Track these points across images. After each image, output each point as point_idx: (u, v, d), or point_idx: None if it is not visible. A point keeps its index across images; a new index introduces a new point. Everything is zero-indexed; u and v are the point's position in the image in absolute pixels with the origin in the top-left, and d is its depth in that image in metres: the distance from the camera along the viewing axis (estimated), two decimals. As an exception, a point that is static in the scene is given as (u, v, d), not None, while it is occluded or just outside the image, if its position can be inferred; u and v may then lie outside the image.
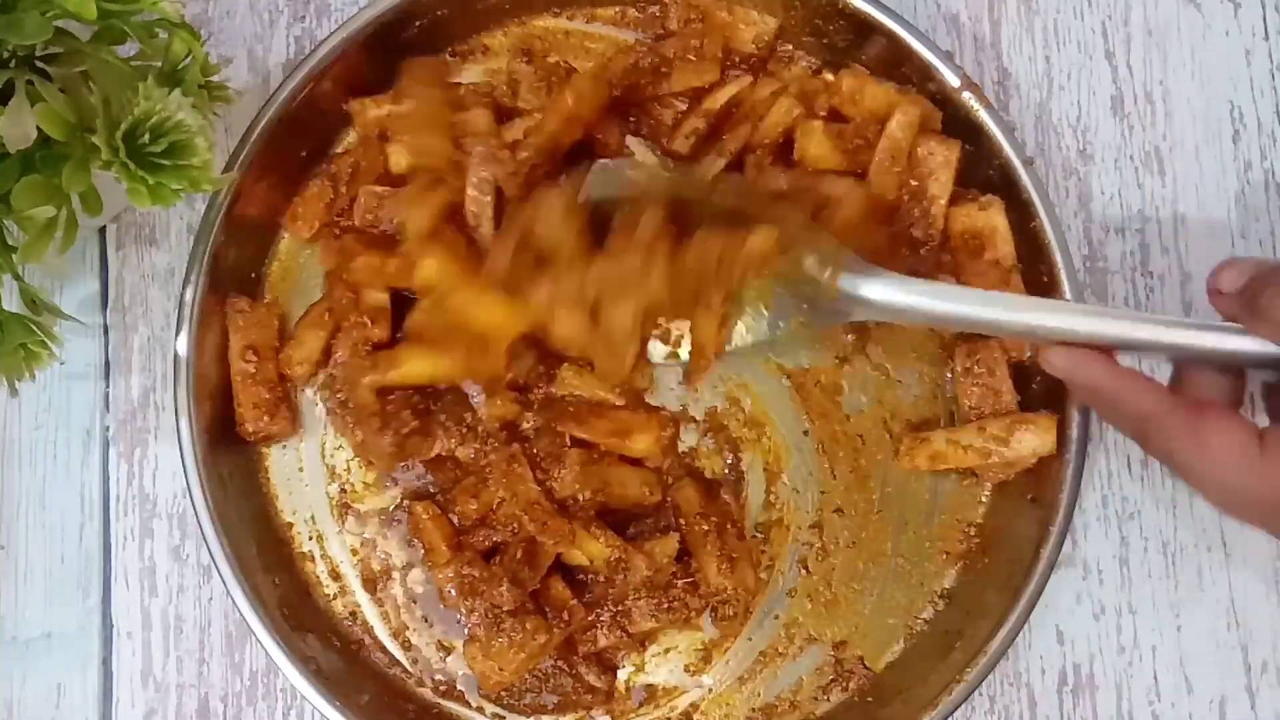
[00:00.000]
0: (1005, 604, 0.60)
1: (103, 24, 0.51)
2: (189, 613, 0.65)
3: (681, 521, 0.63)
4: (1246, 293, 0.51)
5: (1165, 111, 0.67)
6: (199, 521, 0.60)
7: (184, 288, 0.61)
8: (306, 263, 0.66)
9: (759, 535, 0.65)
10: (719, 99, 0.64)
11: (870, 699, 0.63)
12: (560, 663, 0.62)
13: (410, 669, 0.64)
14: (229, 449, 0.63)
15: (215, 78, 0.56)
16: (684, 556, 0.62)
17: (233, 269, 0.63)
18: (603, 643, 0.62)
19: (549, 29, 0.67)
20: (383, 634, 0.64)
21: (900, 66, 0.63)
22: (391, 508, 0.65)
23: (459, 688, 0.64)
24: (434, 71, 0.64)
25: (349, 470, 0.65)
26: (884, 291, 0.56)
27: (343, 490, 0.65)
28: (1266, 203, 0.67)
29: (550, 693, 0.63)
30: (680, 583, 0.62)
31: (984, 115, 0.62)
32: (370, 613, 0.64)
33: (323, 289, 0.65)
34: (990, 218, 0.61)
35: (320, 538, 0.65)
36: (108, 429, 0.66)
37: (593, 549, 0.61)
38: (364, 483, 0.65)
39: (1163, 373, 0.58)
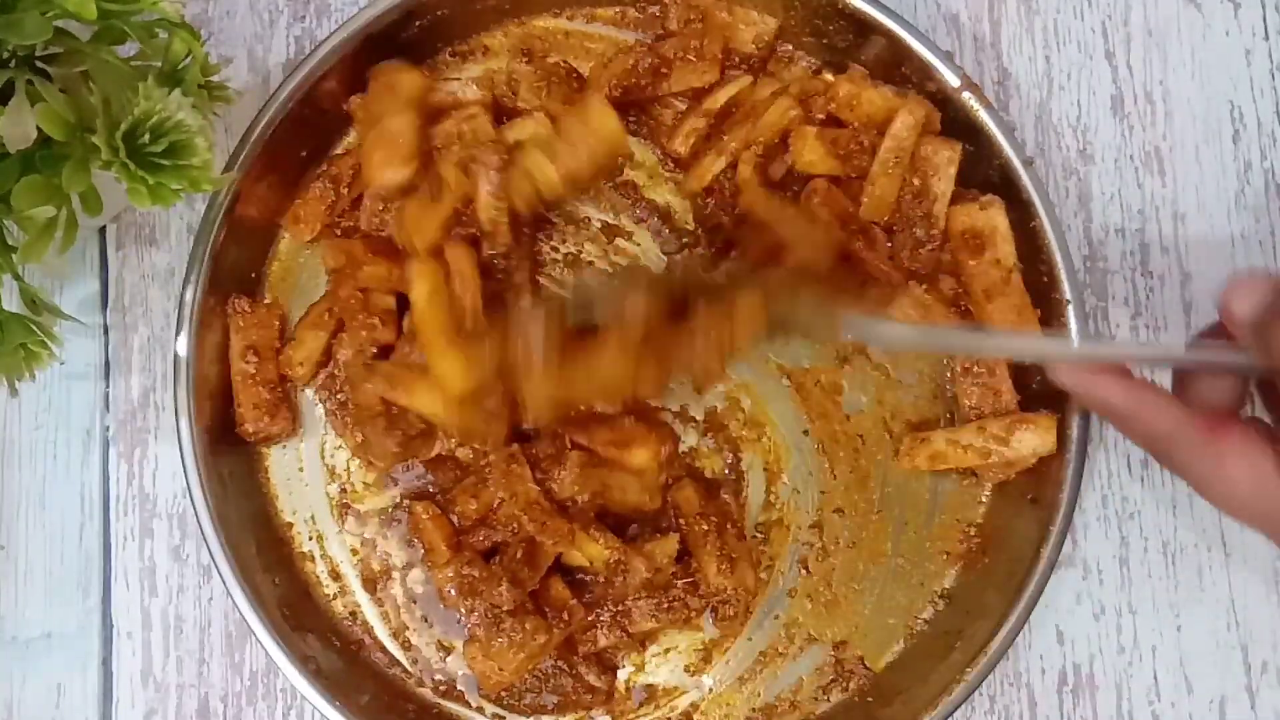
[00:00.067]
0: (1005, 604, 0.60)
1: (103, 24, 0.51)
2: (189, 613, 0.65)
3: (681, 521, 0.63)
4: (1260, 325, 0.49)
5: (1165, 111, 0.67)
6: (199, 521, 0.60)
7: (184, 288, 0.61)
8: (306, 263, 0.66)
9: (759, 535, 0.65)
10: (719, 99, 0.64)
11: (870, 699, 0.63)
12: (560, 663, 0.62)
13: (410, 669, 0.64)
14: (229, 449, 0.63)
15: (215, 78, 0.56)
16: (684, 556, 0.62)
17: (233, 269, 0.63)
18: (603, 643, 0.62)
19: (549, 29, 0.67)
20: (383, 634, 0.64)
21: (900, 66, 0.63)
22: (391, 508, 0.65)
23: (459, 688, 0.64)
24: (396, 83, 0.62)
25: (349, 470, 0.65)
26: (885, 337, 0.60)
27: (343, 490, 0.65)
28: (1266, 203, 0.67)
29: (550, 693, 0.63)
30: (680, 583, 0.62)
31: (984, 115, 0.62)
32: (370, 613, 0.64)
33: (325, 288, 0.65)
34: (990, 217, 0.61)
35: (320, 538, 0.65)
36: (108, 429, 0.66)
37: (592, 550, 0.61)
38: (364, 483, 0.65)
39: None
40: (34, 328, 0.55)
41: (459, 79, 0.65)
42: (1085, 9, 0.68)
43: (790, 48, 0.66)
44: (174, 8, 0.52)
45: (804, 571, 0.64)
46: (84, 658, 0.65)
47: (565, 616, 0.61)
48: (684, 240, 0.66)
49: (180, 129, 0.50)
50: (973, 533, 0.64)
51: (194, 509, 0.60)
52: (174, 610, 0.65)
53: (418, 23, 0.64)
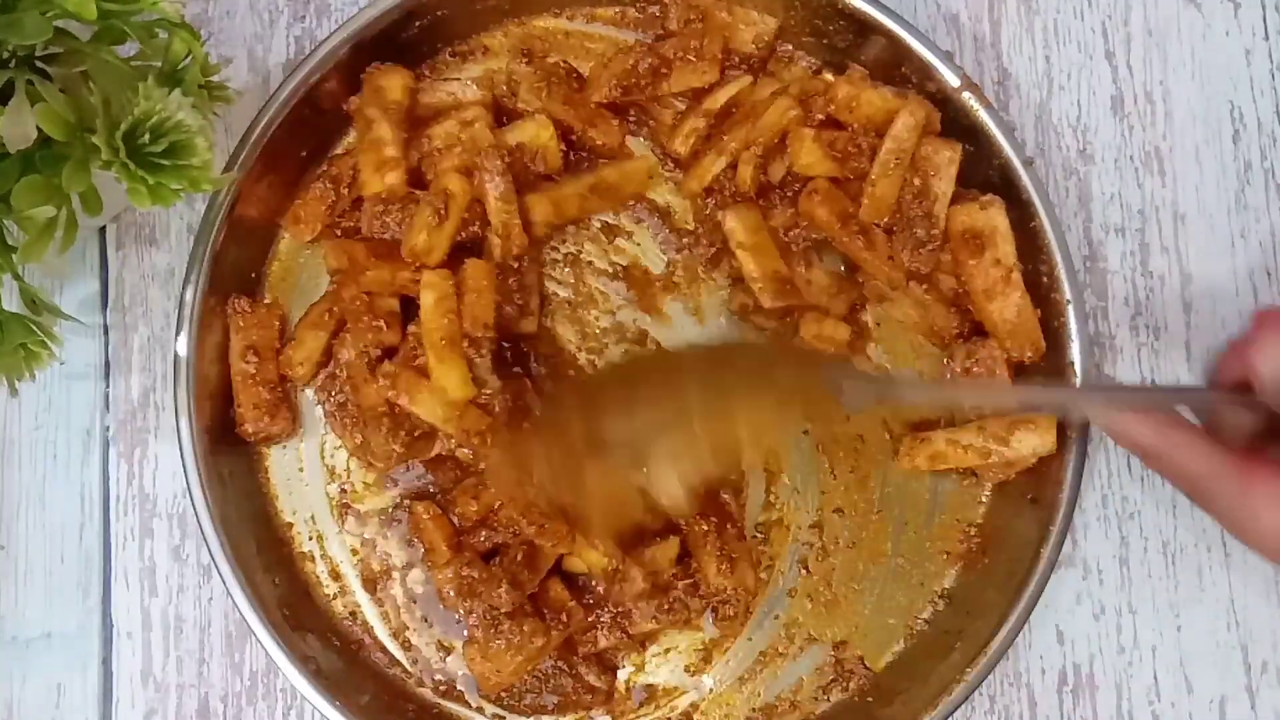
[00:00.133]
0: (1005, 604, 0.60)
1: (103, 24, 0.51)
2: (189, 613, 0.65)
3: (681, 522, 0.63)
4: None
5: (1165, 111, 0.67)
6: (199, 521, 0.60)
7: (184, 288, 0.61)
8: (306, 263, 0.66)
9: (759, 535, 0.65)
10: (719, 99, 0.64)
11: (870, 699, 0.63)
12: (560, 663, 0.62)
13: (410, 669, 0.64)
14: (229, 449, 0.63)
15: (215, 78, 0.56)
16: (684, 557, 0.62)
17: (233, 269, 0.63)
18: (603, 644, 0.62)
19: (549, 29, 0.67)
20: (383, 634, 0.64)
21: (900, 66, 0.63)
22: (391, 508, 0.65)
23: (459, 688, 0.64)
24: (384, 86, 0.63)
25: (349, 470, 0.65)
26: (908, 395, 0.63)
27: (343, 490, 0.65)
28: (1266, 203, 0.66)
29: (550, 693, 0.63)
30: (680, 584, 0.62)
31: (984, 115, 0.62)
32: (370, 613, 0.64)
33: (326, 289, 0.65)
34: (991, 217, 0.61)
35: (320, 538, 0.65)
36: (108, 429, 0.66)
37: (591, 558, 0.61)
38: (364, 483, 0.65)
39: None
40: (34, 328, 0.55)
41: (459, 79, 0.65)
42: (1085, 9, 0.68)
43: (790, 48, 0.66)
44: (174, 8, 0.52)
45: (804, 571, 0.64)
46: (84, 658, 0.65)
47: (564, 618, 0.61)
48: (684, 240, 0.66)
49: (180, 129, 0.50)
50: (973, 533, 0.64)
51: (194, 509, 0.60)
52: (174, 610, 0.65)
53: (418, 23, 0.64)
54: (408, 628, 0.64)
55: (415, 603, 0.64)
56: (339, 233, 0.64)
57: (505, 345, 0.64)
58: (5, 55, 0.50)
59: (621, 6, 0.67)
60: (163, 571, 0.65)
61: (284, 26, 0.68)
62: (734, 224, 0.63)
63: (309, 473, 0.65)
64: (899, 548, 0.64)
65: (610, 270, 0.66)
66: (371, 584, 0.64)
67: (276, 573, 0.63)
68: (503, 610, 0.59)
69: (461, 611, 0.61)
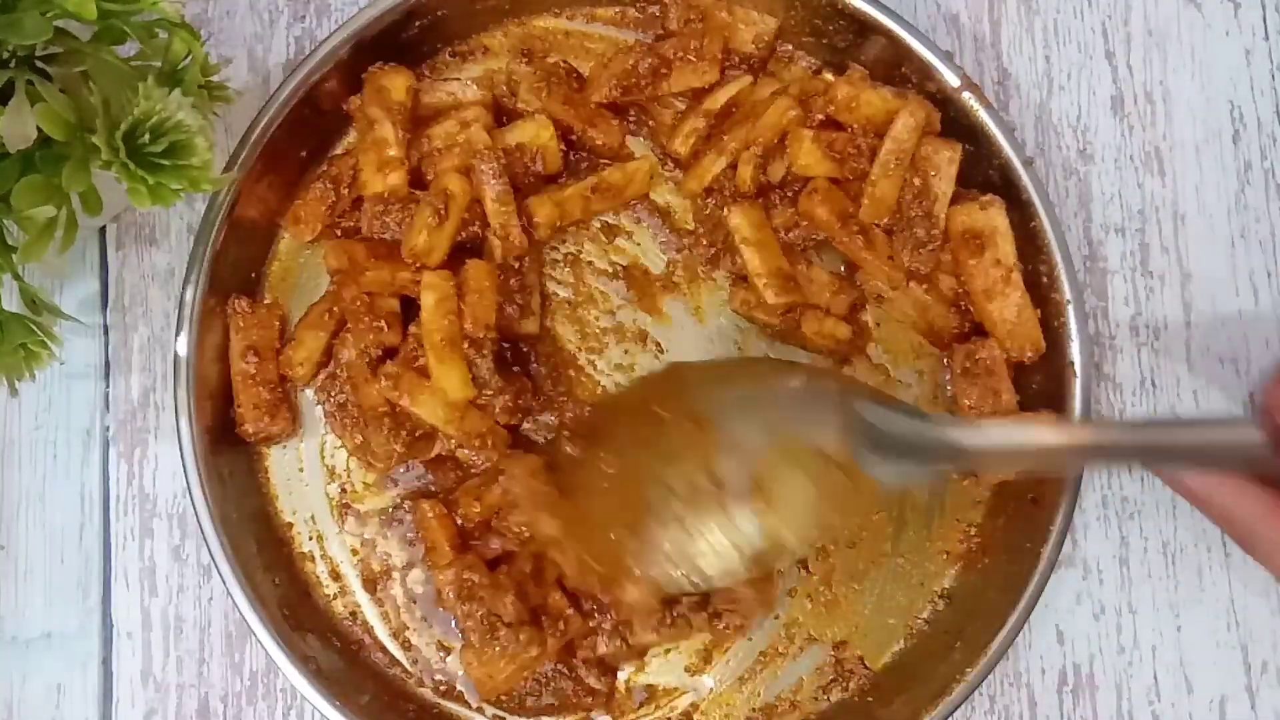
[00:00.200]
0: (1005, 604, 0.60)
1: (103, 24, 0.51)
2: (189, 613, 0.65)
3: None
4: None
5: (1165, 111, 0.67)
6: (199, 521, 0.60)
7: (184, 288, 0.61)
8: (306, 263, 0.66)
9: (759, 535, 0.65)
10: (719, 99, 0.64)
11: (870, 699, 0.63)
12: (560, 665, 0.62)
13: (410, 669, 0.64)
14: (229, 449, 0.63)
15: (215, 78, 0.56)
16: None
17: (233, 269, 0.63)
18: (602, 650, 0.61)
19: (549, 29, 0.67)
20: (383, 634, 0.64)
21: (900, 66, 0.63)
22: (391, 508, 0.65)
23: (459, 688, 0.64)
24: (386, 86, 0.62)
25: (349, 470, 0.65)
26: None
27: (343, 490, 0.65)
28: (1266, 203, 0.66)
29: (550, 695, 0.63)
30: (685, 599, 0.61)
31: (984, 115, 0.62)
32: (370, 613, 0.64)
33: (326, 289, 0.65)
34: (991, 217, 0.61)
35: (320, 538, 0.65)
36: (108, 429, 0.66)
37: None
38: (364, 483, 0.65)
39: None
40: (34, 328, 0.55)
41: (459, 79, 0.65)
42: (1085, 9, 0.68)
43: (790, 48, 0.66)
44: (174, 8, 0.52)
45: (804, 571, 0.64)
46: (84, 658, 0.65)
47: (561, 626, 0.60)
48: (684, 240, 0.66)
49: (180, 129, 0.50)
50: (973, 533, 0.64)
51: (194, 509, 0.60)
52: (174, 610, 0.65)
53: (418, 23, 0.64)
54: (408, 628, 0.64)
55: (415, 603, 0.64)
56: (339, 233, 0.64)
57: (506, 346, 0.64)
58: (5, 55, 0.50)
59: (621, 6, 0.67)
60: (163, 571, 0.65)
61: (284, 26, 0.68)
62: (739, 220, 0.62)
63: (309, 473, 0.65)
64: (899, 548, 0.64)
65: (610, 270, 0.66)
66: (371, 584, 0.64)
67: (276, 573, 0.63)
68: (505, 619, 0.59)
69: (459, 615, 0.61)
